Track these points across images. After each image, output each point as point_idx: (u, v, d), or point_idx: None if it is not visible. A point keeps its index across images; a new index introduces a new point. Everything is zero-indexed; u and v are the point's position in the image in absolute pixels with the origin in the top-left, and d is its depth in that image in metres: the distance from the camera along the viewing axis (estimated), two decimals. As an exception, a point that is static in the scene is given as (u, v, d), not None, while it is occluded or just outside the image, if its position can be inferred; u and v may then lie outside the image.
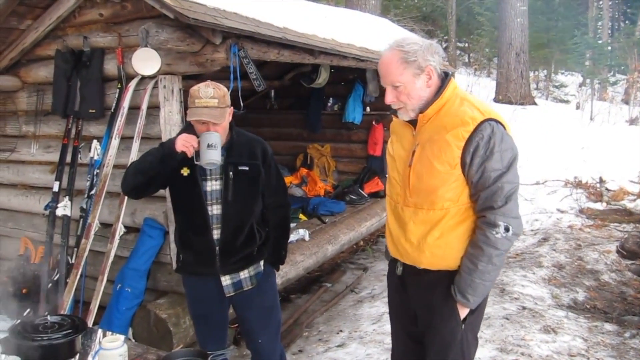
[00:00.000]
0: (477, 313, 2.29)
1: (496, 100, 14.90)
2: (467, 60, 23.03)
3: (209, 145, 2.45)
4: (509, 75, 14.75)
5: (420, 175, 2.19)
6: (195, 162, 2.52)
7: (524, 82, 14.92)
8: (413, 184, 2.22)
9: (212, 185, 2.65)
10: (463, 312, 2.22)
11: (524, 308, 4.53)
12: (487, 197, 2.10)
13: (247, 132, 2.84)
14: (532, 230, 7.00)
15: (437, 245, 2.20)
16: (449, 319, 2.24)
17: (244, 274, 2.79)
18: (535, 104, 14.98)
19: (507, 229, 2.07)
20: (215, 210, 2.67)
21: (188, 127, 2.67)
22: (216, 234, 2.69)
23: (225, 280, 2.75)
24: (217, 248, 2.69)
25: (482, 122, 2.08)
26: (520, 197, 7.68)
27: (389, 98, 2.19)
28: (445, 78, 2.21)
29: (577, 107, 14.71)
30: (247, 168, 2.69)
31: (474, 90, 14.59)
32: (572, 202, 7.75)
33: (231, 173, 2.64)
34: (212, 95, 2.49)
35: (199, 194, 2.63)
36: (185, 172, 2.60)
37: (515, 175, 2.10)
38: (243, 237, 2.74)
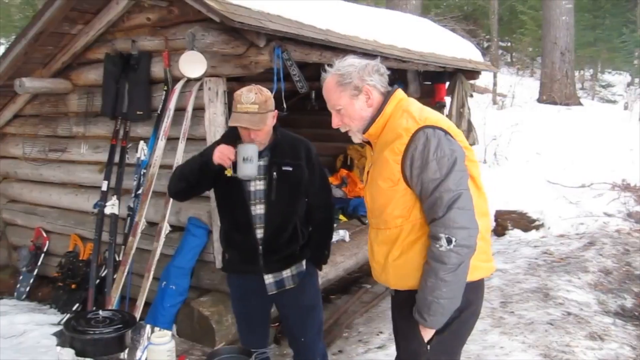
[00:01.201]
0: (449, 333, 2.09)
1: (540, 100, 14.58)
2: (509, 59, 22.63)
3: (244, 159, 2.51)
4: (554, 75, 14.40)
5: (372, 196, 2.15)
6: (232, 175, 2.58)
7: (569, 82, 14.54)
8: (369, 205, 2.20)
9: (256, 185, 2.70)
10: (426, 333, 2.07)
11: (568, 314, 4.43)
12: (429, 208, 2.00)
13: (291, 132, 2.87)
14: (577, 234, 6.83)
15: (398, 265, 2.11)
16: (412, 339, 2.12)
17: (286, 273, 2.83)
18: (580, 104, 14.58)
19: (449, 241, 1.91)
20: (258, 209, 2.72)
21: (232, 129, 2.72)
22: (259, 233, 2.73)
23: (268, 278, 2.79)
24: (260, 247, 2.74)
25: (416, 132, 1.99)
26: (565, 200, 7.57)
27: (335, 122, 2.18)
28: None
29: (625, 108, 14.23)
30: (290, 168, 2.72)
31: (516, 91, 14.32)
32: (619, 206, 7.51)
33: (275, 173, 2.68)
34: (253, 101, 2.53)
35: (242, 194, 2.69)
36: (228, 172, 2.64)
37: (456, 182, 1.94)
38: (286, 236, 2.78)
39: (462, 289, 1.99)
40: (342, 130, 2.20)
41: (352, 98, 2.10)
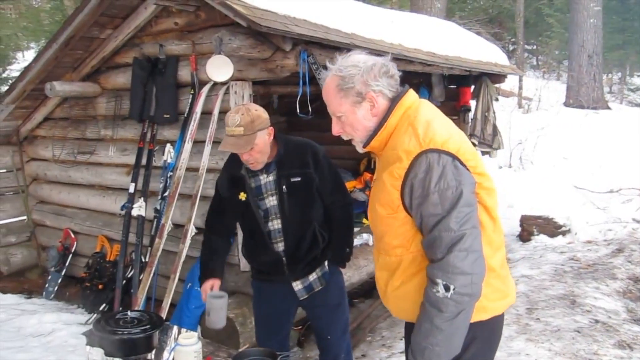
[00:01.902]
0: None
1: (567, 104, 14.38)
2: (535, 63, 22.35)
3: (208, 312, 2.60)
4: (581, 78, 14.18)
5: (371, 217, 1.95)
6: (245, 199, 2.72)
7: (597, 85, 14.31)
8: (370, 225, 1.99)
9: (270, 202, 2.74)
10: None
11: (596, 321, 4.35)
12: (427, 246, 1.76)
13: (295, 137, 2.88)
14: (605, 241, 6.70)
15: (397, 295, 1.91)
16: None
17: (312, 277, 2.87)
18: (608, 108, 14.33)
19: (447, 288, 1.67)
20: (276, 224, 2.77)
21: (233, 154, 2.76)
22: (281, 246, 2.78)
23: (297, 285, 2.84)
24: (284, 258, 2.79)
25: (417, 156, 1.72)
26: (592, 206, 7.45)
27: (335, 129, 1.94)
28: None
29: (655, 112, 13.97)
30: (299, 179, 2.73)
31: (542, 94, 14.14)
32: (649, 212, 7.36)
33: (284, 187, 2.70)
34: (237, 124, 2.51)
35: (256, 215, 2.73)
36: (242, 197, 2.72)
37: (459, 220, 1.68)
38: (307, 244, 2.80)
39: (461, 337, 1.76)
40: (345, 138, 1.96)
41: (354, 105, 1.84)
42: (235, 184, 2.75)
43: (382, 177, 1.81)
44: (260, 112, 2.61)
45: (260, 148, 2.58)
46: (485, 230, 1.81)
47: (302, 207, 2.76)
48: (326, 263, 2.93)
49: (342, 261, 3.05)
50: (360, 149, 1.96)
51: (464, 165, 1.74)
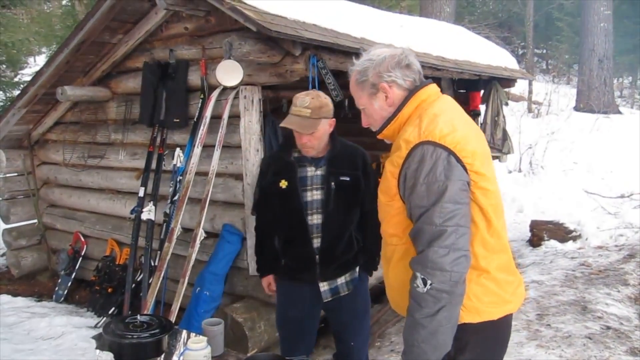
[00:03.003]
0: None
1: (577, 109, 14.29)
2: (545, 67, 22.25)
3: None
4: (591, 82, 14.10)
5: (378, 204, 1.98)
6: (287, 186, 2.70)
7: (608, 89, 14.22)
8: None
9: (313, 195, 2.72)
10: None
11: (608, 328, 4.31)
12: (413, 237, 1.76)
13: (348, 141, 2.89)
14: (616, 246, 6.64)
15: (392, 287, 1.93)
16: None
17: (340, 280, 2.85)
18: (619, 112, 14.23)
19: (424, 282, 1.66)
20: (315, 219, 2.73)
21: (287, 140, 2.77)
22: (316, 242, 2.75)
23: (324, 286, 2.81)
24: (317, 256, 2.75)
25: (415, 147, 1.73)
26: (603, 211, 7.39)
27: (363, 121, 2.01)
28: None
29: (666, 116, 13.86)
30: (348, 178, 2.73)
31: (552, 99, 14.07)
32: (661, 217, 7.30)
33: (333, 184, 2.70)
34: (306, 105, 2.56)
35: (298, 206, 2.70)
36: (283, 184, 2.69)
37: (442, 215, 1.67)
38: (342, 245, 2.79)
39: (446, 335, 1.71)
40: (373, 130, 2.01)
41: (370, 97, 1.91)
42: (281, 170, 2.73)
43: (385, 165, 1.87)
44: (328, 101, 2.66)
45: (320, 135, 2.63)
46: (478, 230, 1.79)
47: (345, 207, 2.76)
48: (357, 269, 2.91)
49: (372, 269, 3.05)
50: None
51: (460, 162, 1.72)
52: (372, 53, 1.92)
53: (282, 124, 2.62)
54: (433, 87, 1.92)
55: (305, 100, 2.57)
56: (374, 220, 2.89)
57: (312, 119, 2.56)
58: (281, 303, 3.00)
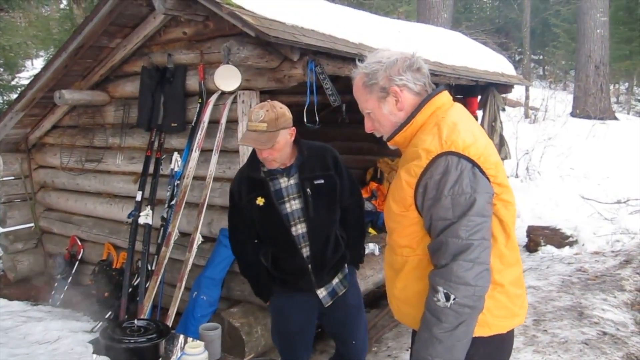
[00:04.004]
0: None
1: (573, 114, 14.37)
2: (542, 73, 22.35)
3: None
4: (588, 88, 14.18)
5: (385, 212, 1.92)
6: (263, 203, 2.65)
7: (604, 95, 14.30)
8: (385, 220, 1.96)
9: (292, 206, 2.68)
10: None
11: (604, 333, 4.32)
12: (433, 251, 1.71)
13: (311, 141, 2.84)
14: (612, 252, 6.66)
15: (400, 298, 1.89)
16: None
17: (335, 281, 2.83)
18: (616, 118, 14.32)
19: (447, 297, 1.63)
20: (300, 229, 2.69)
21: (253, 152, 2.71)
22: (306, 252, 2.71)
23: (321, 292, 2.79)
24: (310, 265, 2.72)
25: (437, 157, 1.68)
26: (600, 216, 7.41)
27: (367, 126, 1.94)
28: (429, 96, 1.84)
29: (662, 122, 13.92)
30: (322, 181, 2.70)
31: (549, 104, 14.12)
32: (657, 223, 7.32)
33: (309, 190, 2.66)
34: (262, 119, 2.48)
35: (279, 219, 2.66)
36: (260, 201, 2.64)
37: (469, 229, 1.63)
38: (331, 247, 2.77)
39: (462, 351, 1.70)
40: (377, 135, 1.96)
41: (379, 101, 1.84)
42: (253, 188, 2.68)
43: (400, 174, 1.79)
44: (285, 111, 2.57)
45: (281, 146, 2.54)
46: (497, 243, 1.77)
47: (326, 210, 2.72)
48: (346, 265, 2.90)
49: (358, 261, 3.04)
50: (391, 145, 1.95)
51: (484, 174, 1.69)
52: (380, 55, 1.87)
53: (239, 141, 2.58)
54: (446, 94, 1.88)
55: (260, 114, 2.48)
56: (355, 213, 2.92)
57: (269, 132, 2.47)
58: (277, 319, 2.94)
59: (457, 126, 1.74)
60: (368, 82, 1.84)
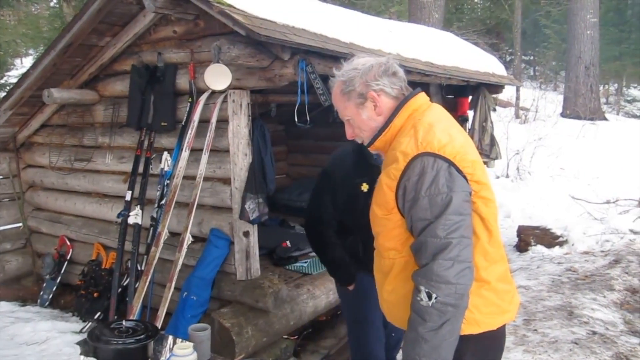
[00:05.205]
0: None
1: (564, 115, 14.44)
2: (532, 73, 22.47)
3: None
4: (578, 89, 14.27)
5: (371, 217, 1.93)
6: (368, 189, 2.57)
7: (594, 96, 14.39)
8: (371, 225, 1.97)
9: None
10: None
11: (594, 333, 4.34)
12: (416, 251, 1.73)
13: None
14: (602, 252, 6.69)
15: (390, 300, 1.90)
16: None
17: None
18: (605, 119, 14.41)
19: (429, 296, 1.64)
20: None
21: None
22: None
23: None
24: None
25: (413, 158, 1.70)
26: (589, 216, 7.44)
27: (348, 133, 1.97)
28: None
29: (651, 123, 14.03)
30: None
31: (539, 105, 14.20)
32: (646, 223, 7.37)
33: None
34: None
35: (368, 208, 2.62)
36: (364, 188, 2.60)
37: (447, 228, 1.65)
38: None
39: (449, 350, 1.71)
40: (359, 141, 2.00)
41: (358, 107, 1.87)
42: (361, 173, 2.62)
43: (381, 178, 1.82)
44: None
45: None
46: (479, 241, 1.78)
47: None
48: None
49: None
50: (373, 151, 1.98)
51: (461, 172, 1.71)
52: (356, 62, 1.90)
53: None
54: (423, 96, 1.91)
55: None
56: None
57: None
58: (367, 299, 2.75)
59: (433, 127, 1.76)
60: (345, 89, 1.87)
